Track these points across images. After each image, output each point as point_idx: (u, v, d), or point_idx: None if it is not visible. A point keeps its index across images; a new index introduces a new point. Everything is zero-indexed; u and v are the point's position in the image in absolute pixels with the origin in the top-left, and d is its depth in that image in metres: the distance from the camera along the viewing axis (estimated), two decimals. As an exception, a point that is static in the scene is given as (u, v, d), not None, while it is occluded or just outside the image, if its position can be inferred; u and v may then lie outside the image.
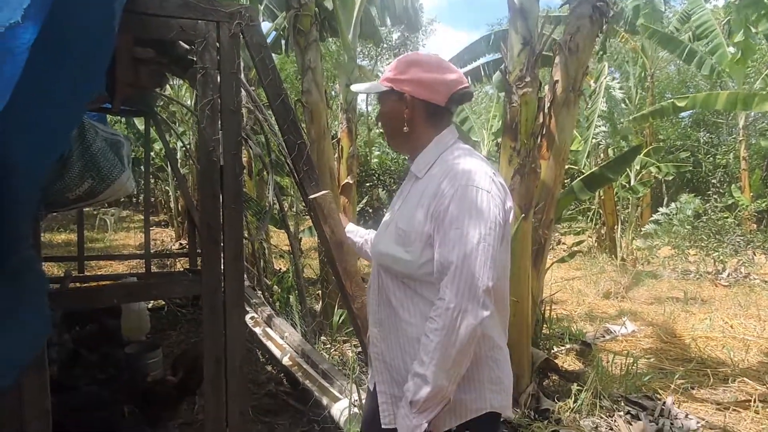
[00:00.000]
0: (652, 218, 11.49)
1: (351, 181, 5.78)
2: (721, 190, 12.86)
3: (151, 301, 5.69)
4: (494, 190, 1.29)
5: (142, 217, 7.17)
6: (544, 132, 3.63)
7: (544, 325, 4.48)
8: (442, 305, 1.20)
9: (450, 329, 1.18)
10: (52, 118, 1.18)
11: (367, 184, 14.57)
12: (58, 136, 1.26)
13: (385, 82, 1.41)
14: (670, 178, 14.00)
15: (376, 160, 15.61)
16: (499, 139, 3.56)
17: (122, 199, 20.51)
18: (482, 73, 8.26)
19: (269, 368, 4.08)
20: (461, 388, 1.31)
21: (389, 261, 1.37)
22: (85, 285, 4.31)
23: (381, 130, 1.47)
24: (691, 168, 15.57)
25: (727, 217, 10.29)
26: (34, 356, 1.52)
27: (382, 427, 1.41)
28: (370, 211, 13.50)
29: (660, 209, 10.98)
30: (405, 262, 1.32)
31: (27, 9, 0.99)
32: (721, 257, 9.17)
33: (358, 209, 8.13)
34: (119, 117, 7.12)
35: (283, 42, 7.22)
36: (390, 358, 1.40)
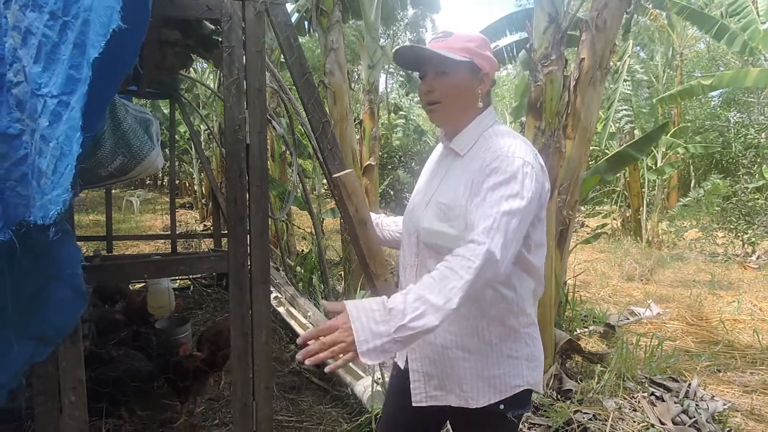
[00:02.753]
0: (680, 202, 11.25)
1: (373, 163, 5.79)
2: (751, 171, 12.47)
3: (177, 281, 5.82)
4: (537, 166, 1.29)
5: (168, 200, 7.28)
6: (569, 111, 3.57)
7: (568, 307, 4.46)
8: (481, 248, 1.13)
9: (480, 271, 1.12)
10: (87, 99, 1.21)
11: (389, 167, 14.54)
12: (93, 117, 1.29)
13: (463, 54, 1.34)
14: (698, 158, 13.66)
15: (397, 142, 15.52)
16: (523, 119, 3.51)
17: (147, 181, 20.86)
18: (504, 55, 8.09)
19: (293, 347, 4.15)
20: (500, 364, 1.33)
21: (435, 237, 1.36)
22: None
23: (432, 98, 1.38)
24: (719, 148, 15.14)
25: (758, 199, 10.03)
26: (71, 330, 1.57)
27: (413, 405, 1.42)
28: (392, 192, 13.50)
29: (690, 193, 10.75)
30: (450, 237, 1.31)
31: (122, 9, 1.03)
32: (752, 239, 8.97)
33: (380, 191, 8.13)
34: (144, 99, 7.21)
35: (306, 23, 7.20)
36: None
